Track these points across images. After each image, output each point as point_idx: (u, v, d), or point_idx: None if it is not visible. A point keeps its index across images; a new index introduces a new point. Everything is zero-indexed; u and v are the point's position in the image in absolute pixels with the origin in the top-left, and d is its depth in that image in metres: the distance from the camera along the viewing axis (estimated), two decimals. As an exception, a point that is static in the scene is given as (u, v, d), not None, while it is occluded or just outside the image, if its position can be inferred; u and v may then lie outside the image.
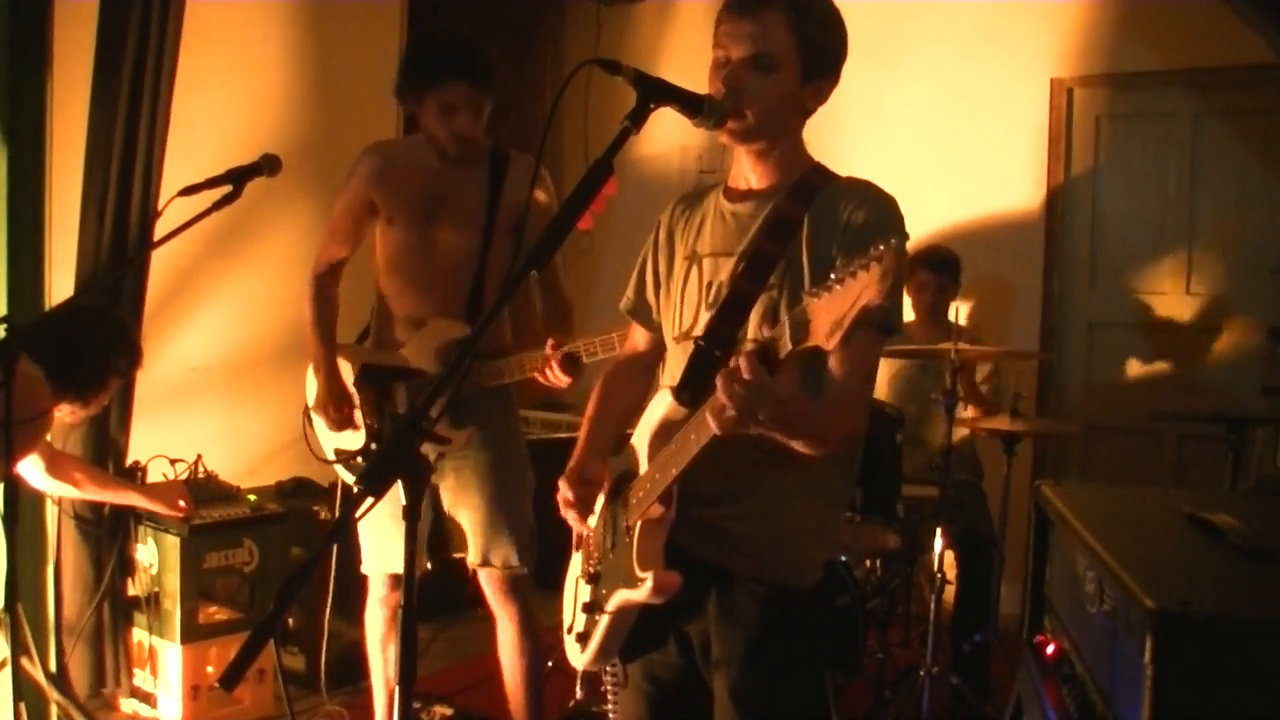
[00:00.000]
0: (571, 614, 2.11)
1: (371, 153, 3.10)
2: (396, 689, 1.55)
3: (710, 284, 1.95)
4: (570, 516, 2.05)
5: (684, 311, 2.00)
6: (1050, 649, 2.15)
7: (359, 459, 3.08)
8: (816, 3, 1.89)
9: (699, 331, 1.94)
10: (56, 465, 3.22)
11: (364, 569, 3.16)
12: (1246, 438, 3.83)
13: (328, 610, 3.61)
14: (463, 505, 3.07)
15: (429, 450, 2.93)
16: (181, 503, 3.50)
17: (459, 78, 2.87)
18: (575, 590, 2.12)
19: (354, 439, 3.10)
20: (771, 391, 1.55)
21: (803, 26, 1.85)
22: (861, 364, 1.85)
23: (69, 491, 3.33)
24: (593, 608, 2.01)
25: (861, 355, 1.82)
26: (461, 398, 2.91)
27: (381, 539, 3.07)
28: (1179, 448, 4.71)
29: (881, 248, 1.40)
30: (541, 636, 3.10)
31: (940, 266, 4.29)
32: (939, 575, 3.62)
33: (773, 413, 1.58)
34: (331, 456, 3.16)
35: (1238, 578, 1.76)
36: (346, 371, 3.11)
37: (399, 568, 3.09)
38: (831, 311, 1.45)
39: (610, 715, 2.11)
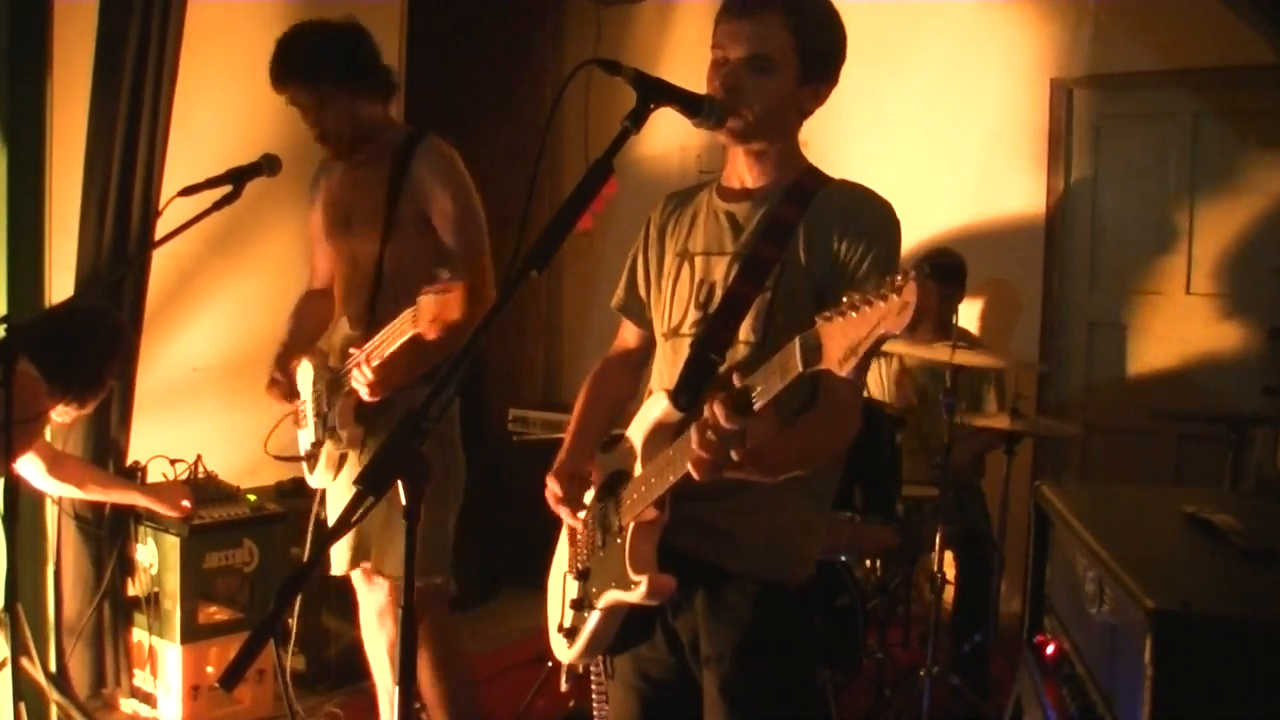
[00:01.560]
0: (559, 609, 2.11)
1: (317, 171, 3.12)
2: (395, 690, 1.55)
3: (702, 282, 1.95)
4: (562, 512, 2.05)
5: (673, 309, 2.00)
6: (1050, 649, 2.15)
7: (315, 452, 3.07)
8: (816, 5, 1.89)
9: (687, 330, 1.95)
10: (58, 466, 3.22)
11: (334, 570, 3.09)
12: (1246, 438, 3.84)
13: (298, 607, 3.60)
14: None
15: (334, 448, 2.93)
16: (185, 503, 3.50)
17: (285, 82, 2.87)
18: (562, 585, 2.11)
19: (305, 437, 3.10)
20: (744, 436, 1.59)
21: (802, 28, 1.85)
22: (859, 378, 1.86)
23: (71, 492, 3.33)
24: (581, 604, 2.01)
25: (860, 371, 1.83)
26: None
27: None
28: (1179, 448, 4.71)
29: (899, 278, 1.40)
30: (460, 659, 3.01)
31: (945, 275, 4.22)
32: (939, 575, 3.62)
33: (745, 457, 1.61)
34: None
35: (1238, 578, 1.76)
36: (305, 374, 3.08)
37: (339, 569, 3.06)
38: (847, 337, 1.45)
39: (595, 711, 2.12)
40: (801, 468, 1.78)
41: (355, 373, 2.83)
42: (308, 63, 2.85)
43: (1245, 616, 1.57)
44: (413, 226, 2.90)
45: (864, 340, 1.43)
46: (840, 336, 1.46)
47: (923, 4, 5.05)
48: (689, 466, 1.67)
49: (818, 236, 1.86)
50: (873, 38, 4.82)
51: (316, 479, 3.06)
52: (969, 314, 4.89)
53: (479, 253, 2.90)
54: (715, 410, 1.59)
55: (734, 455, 1.60)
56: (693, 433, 1.63)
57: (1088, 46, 4.78)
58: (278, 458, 3.20)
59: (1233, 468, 3.80)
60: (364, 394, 2.81)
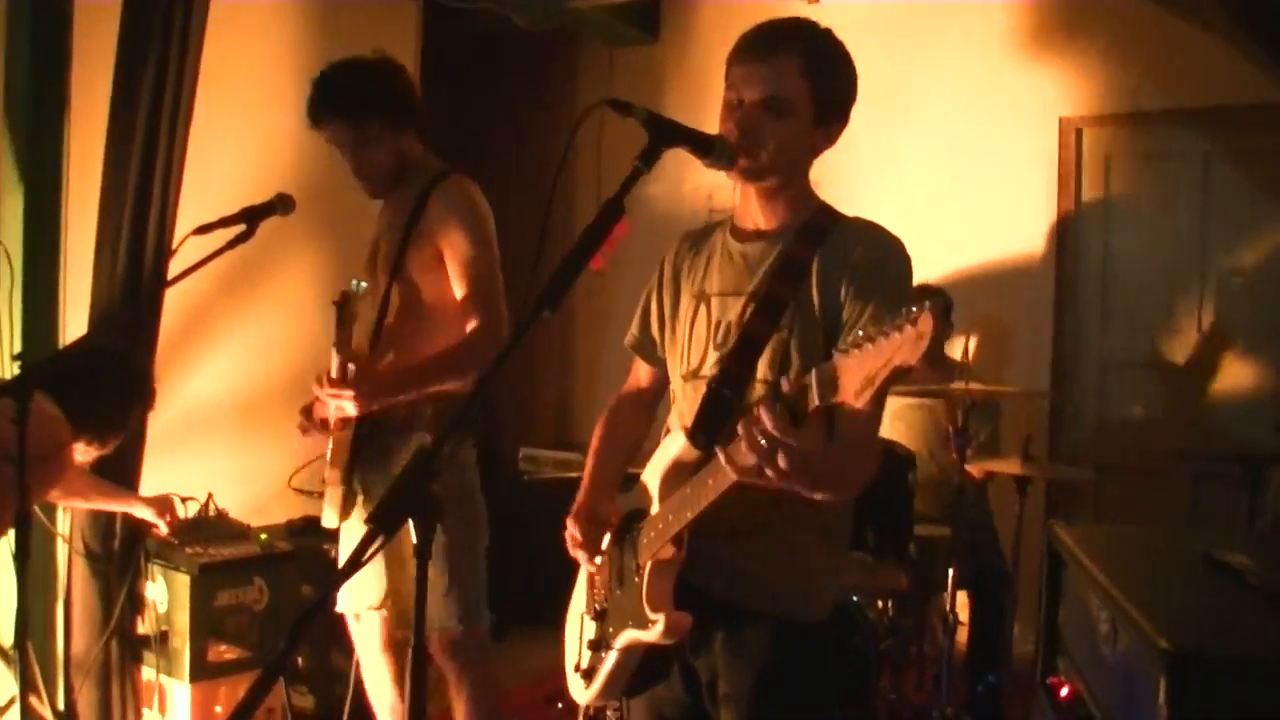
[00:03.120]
0: (576, 650, 2.11)
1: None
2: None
3: (719, 324, 1.96)
4: (580, 556, 2.06)
5: (692, 351, 2.00)
6: (1064, 690, 2.13)
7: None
8: (829, 47, 1.91)
9: (707, 371, 1.95)
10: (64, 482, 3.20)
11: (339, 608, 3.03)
12: (1262, 478, 3.82)
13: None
14: (399, 558, 2.91)
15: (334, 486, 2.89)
16: (168, 517, 3.48)
17: (326, 120, 2.86)
18: (580, 626, 2.12)
19: None
20: (796, 444, 1.55)
21: (816, 71, 1.86)
22: (878, 410, 1.86)
23: (75, 503, 3.31)
24: (599, 645, 2.02)
25: (879, 401, 1.83)
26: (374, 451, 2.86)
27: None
28: (1194, 488, 4.67)
29: (915, 310, 1.42)
30: (496, 707, 2.95)
31: None
32: (952, 616, 3.60)
33: (796, 465, 1.56)
34: None
35: (1254, 619, 1.74)
36: None
37: (356, 607, 2.99)
38: (863, 369, 1.46)
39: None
40: (835, 490, 1.75)
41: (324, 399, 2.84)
42: (351, 99, 2.85)
43: (1261, 658, 1.55)
44: (421, 266, 2.86)
45: (880, 371, 1.44)
46: (857, 369, 1.47)
47: (933, 44, 5.08)
48: (726, 465, 1.64)
49: (830, 274, 1.87)
50: (883, 77, 4.83)
51: (325, 518, 2.97)
52: (973, 353, 4.89)
53: (489, 294, 2.83)
54: (763, 411, 1.56)
55: (780, 463, 1.55)
56: (741, 430, 1.59)
57: (1097, 86, 4.81)
58: (299, 491, 3.19)
59: (1249, 508, 3.77)
60: (332, 420, 2.85)
